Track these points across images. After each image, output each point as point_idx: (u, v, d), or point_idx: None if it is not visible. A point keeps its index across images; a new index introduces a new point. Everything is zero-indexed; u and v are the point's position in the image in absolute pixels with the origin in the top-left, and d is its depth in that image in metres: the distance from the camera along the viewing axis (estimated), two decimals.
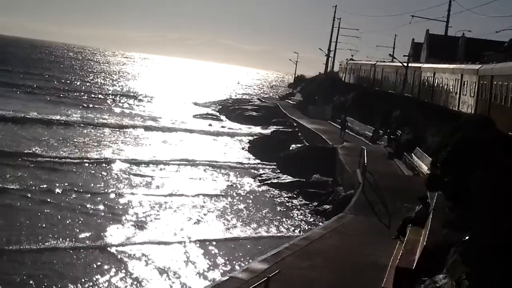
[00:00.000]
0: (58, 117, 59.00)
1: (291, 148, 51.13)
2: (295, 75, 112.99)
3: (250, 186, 39.11)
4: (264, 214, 31.90)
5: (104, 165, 39.97)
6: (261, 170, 44.86)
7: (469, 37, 58.11)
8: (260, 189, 38.44)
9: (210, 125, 72.48)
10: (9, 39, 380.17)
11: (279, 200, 35.81)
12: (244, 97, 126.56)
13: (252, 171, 44.40)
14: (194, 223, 28.70)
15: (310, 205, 35.16)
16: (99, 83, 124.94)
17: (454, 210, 16.59)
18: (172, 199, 32.81)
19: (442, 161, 19.60)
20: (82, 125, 57.27)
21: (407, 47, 68.35)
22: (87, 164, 39.64)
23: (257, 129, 72.72)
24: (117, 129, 58.22)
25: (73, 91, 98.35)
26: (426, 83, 45.94)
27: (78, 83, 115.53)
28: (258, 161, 49.50)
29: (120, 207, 30.05)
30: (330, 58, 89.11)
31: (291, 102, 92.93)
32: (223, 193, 36.35)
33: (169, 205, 31.64)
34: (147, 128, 62.53)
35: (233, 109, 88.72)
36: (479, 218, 13.20)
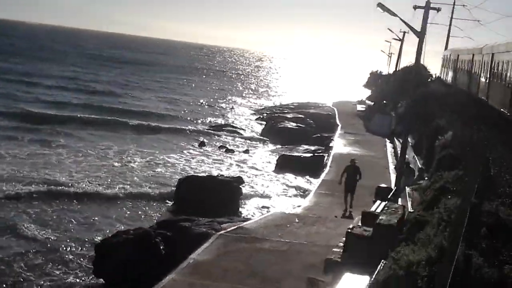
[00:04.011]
0: None
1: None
2: (389, 70, 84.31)
3: None
4: None
5: None
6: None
7: None
8: None
9: (202, 143, 48.82)
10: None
11: None
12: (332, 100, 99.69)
13: None
14: None
15: None
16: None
17: None
18: None
19: None
20: None
21: None
22: None
23: (269, 153, 48.26)
24: None
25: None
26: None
27: None
28: None
29: None
30: (400, 44, 59.96)
31: (360, 108, 66.37)
32: None
33: None
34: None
35: (269, 117, 64.16)
36: None
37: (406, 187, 24.93)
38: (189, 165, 40.63)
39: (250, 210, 29.63)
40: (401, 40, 56.48)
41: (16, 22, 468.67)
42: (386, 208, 16.51)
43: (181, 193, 29.05)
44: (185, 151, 45.02)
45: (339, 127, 54.51)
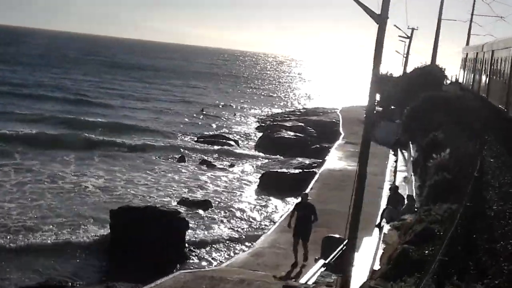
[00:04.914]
0: None
1: None
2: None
3: None
4: None
5: None
6: None
7: None
8: None
9: (182, 158, 43.14)
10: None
11: None
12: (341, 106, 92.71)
13: None
14: None
15: None
16: None
17: None
18: None
19: None
20: None
21: None
22: None
23: (257, 168, 42.43)
24: None
25: None
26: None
27: None
28: None
29: None
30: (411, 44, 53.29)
31: None
32: None
33: None
34: None
35: (268, 126, 58.42)
36: None
37: (386, 225, 18.83)
38: (156, 186, 34.91)
39: (203, 252, 23.70)
40: (410, 38, 50.17)
41: (47, 31, 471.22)
42: (315, 283, 10.52)
43: (113, 232, 23.48)
44: (156, 168, 39.30)
45: (341, 136, 48.64)
